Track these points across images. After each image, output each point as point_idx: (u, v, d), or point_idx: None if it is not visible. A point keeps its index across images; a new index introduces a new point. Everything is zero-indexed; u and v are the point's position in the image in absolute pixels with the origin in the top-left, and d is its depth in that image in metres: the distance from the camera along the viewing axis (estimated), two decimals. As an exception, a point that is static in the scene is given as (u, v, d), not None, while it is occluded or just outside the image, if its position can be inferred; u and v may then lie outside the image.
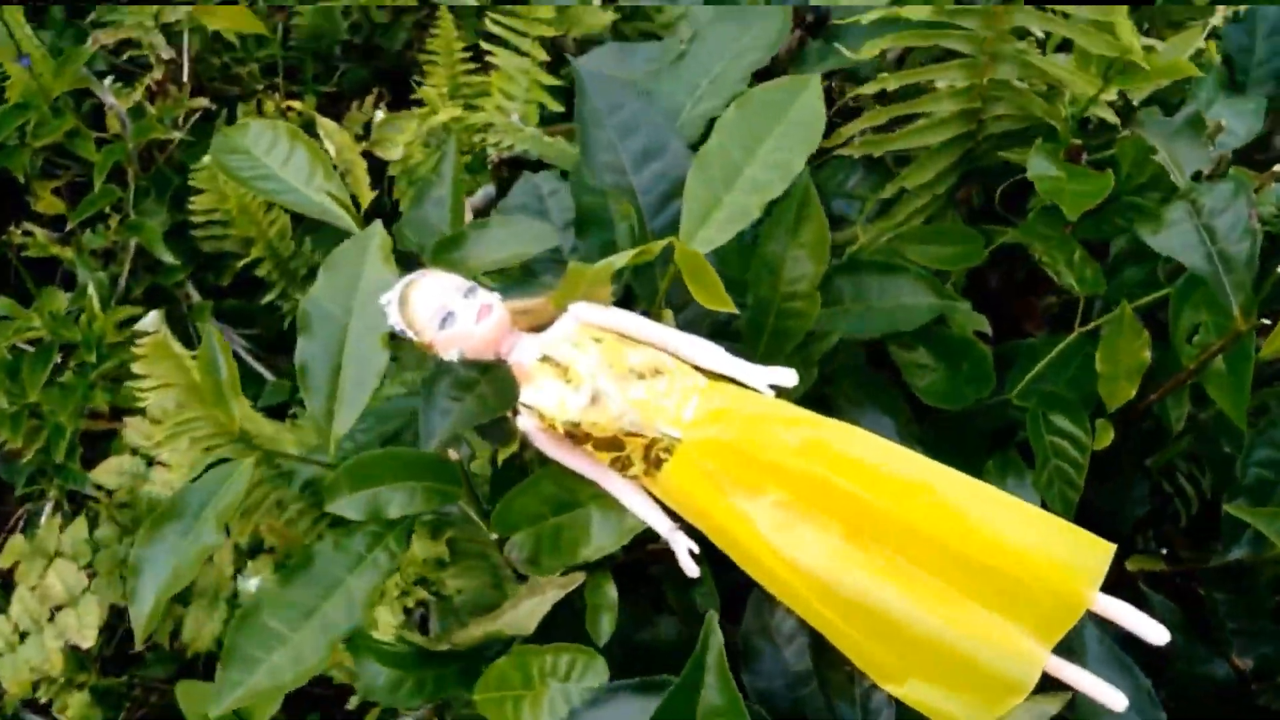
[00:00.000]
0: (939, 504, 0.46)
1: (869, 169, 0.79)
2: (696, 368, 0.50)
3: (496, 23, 1.00)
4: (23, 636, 0.89)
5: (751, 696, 0.54)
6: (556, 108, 1.00)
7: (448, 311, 0.49)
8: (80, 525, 0.95)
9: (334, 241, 1.10)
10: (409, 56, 1.36)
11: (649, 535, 0.60)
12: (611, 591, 0.54)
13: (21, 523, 1.06)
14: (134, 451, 0.92)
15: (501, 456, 0.57)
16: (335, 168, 0.69)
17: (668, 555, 0.60)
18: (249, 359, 1.09)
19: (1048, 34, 0.66)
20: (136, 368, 0.70)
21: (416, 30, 1.37)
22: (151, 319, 0.65)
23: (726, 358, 0.50)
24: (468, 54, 1.06)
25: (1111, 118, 0.62)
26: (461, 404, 0.52)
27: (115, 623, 1.09)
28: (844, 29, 0.70)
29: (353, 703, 0.85)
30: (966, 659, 0.45)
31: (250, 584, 0.74)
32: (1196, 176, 0.59)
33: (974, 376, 0.63)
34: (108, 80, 1.09)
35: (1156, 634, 0.46)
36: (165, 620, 0.98)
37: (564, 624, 0.55)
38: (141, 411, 0.93)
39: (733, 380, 0.50)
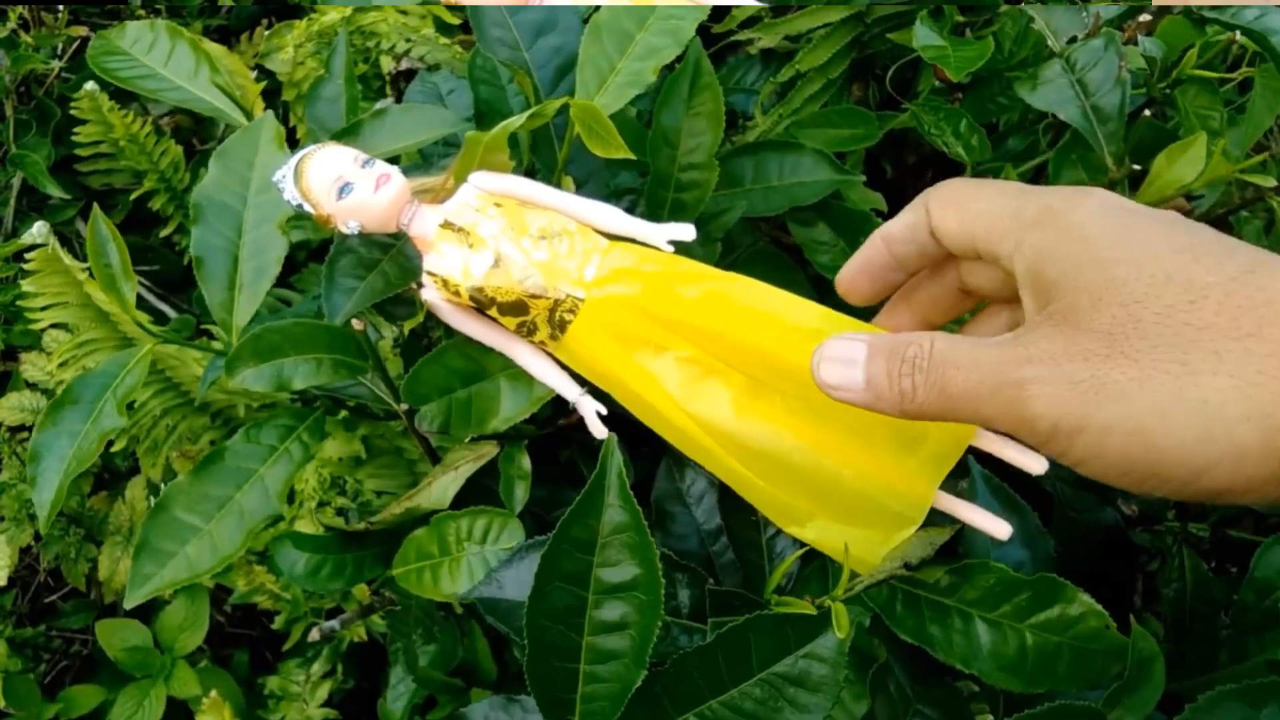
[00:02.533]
0: None
1: (766, 63, 0.81)
2: (599, 231, 0.51)
3: (386, -65, 0.97)
4: (-73, 581, 0.86)
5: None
6: (453, 20, 0.98)
7: (345, 182, 0.48)
8: (-19, 469, 0.92)
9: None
10: (299, -10, 1.32)
11: (561, 411, 0.61)
12: (525, 461, 0.54)
13: (-84, 475, 1.02)
14: (32, 386, 0.89)
15: (407, 328, 0.57)
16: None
17: (581, 431, 0.61)
18: (150, 297, 1.06)
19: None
20: (26, 285, 0.68)
21: (307, -38, 1.34)
22: (38, 229, 0.62)
23: (624, 217, 0.51)
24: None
25: (991, -10, 0.64)
26: (365, 281, 0.51)
27: (29, 577, 1.07)
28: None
29: (278, 623, 0.85)
30: (862, 498, 0.47)
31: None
32: (1072, 41, 0.61)
33: (871, 248, 0.65)
34: (-24, 13, 1.04)
35: (1036, 464, 0.49)
36: (79, 561, 0.96)
37: (478, 500, 0.56)
38: (37, 346, 0.90)
39: (633, 241, 0.51)
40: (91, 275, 0.68)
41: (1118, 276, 0.31)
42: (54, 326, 0.78)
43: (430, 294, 0.50)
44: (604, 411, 0.52)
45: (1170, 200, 0.59)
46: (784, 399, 0.48)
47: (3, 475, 0.92)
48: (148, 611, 1.05)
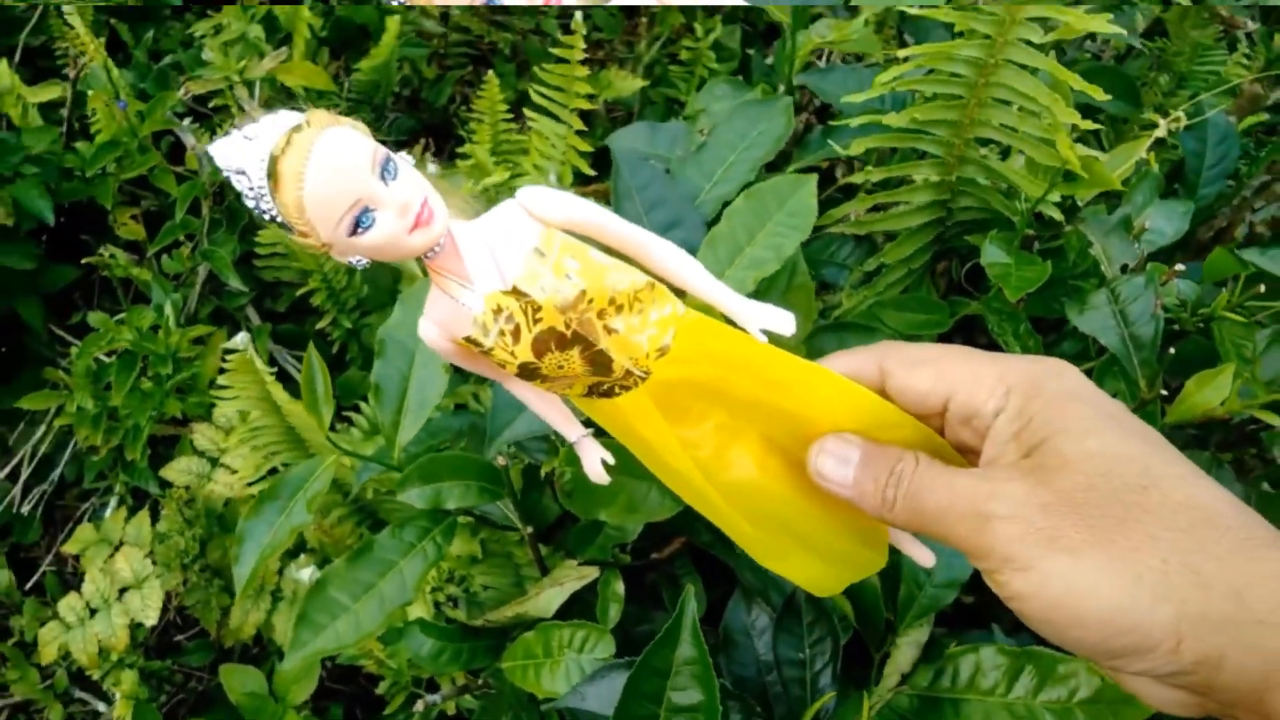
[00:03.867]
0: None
1: (858, 243, 0.92)
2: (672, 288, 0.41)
3: (539, 94, 1.13)
4: (92, 613, 1.00)
5: (729, 680, 0.65)
6: (589, 172, 1.12)
7: (364, 208, 0.34)
8: (143, 518, 1.06)
9: (383, 278, 1.22)
10: (452, 110, 1.50)
11: (654, 545, 0.71)
12: (619, 586, 0.65)
13: (86, 515, 1.18)
14: (200, 454, 1.04)
15: (545, 469, 0.68)
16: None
17: (668, 563, 0.72)
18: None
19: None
20: (223, 379, 0.82)
21: (460, 86, 1.52)
22: (240, 339, 0.77)
23: (711, 282, 0.42)
24: (509, 113, 1.20)
25: (1057, 215, 0.74)
26: (519, 418, 0.63)
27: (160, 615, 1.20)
28: (838, 127, 0.83)
29: (381, 687, 0.96)
30: (841, 543, 0.47)
31: (302, 574, 0.85)
32: (1124, 269, 0.71)
33: (933, 425, 0.75)
34: (186, 121, 1.23)
35: (925, 557, 0.48)
36: (211, 609, 1.09)
37: (577, 613, 0.67)
38: (207, 418, 1.05)
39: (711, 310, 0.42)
40: (276, 378, 0.82)
41: (1087, 449, 0.35)
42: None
43: (431, 335, 0.39)
44: (610, 461, 0.44)
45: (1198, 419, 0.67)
46: (788, 459, 0.45)
47: (161, 526, 1.07)
48: (260, 658, 1.18)
